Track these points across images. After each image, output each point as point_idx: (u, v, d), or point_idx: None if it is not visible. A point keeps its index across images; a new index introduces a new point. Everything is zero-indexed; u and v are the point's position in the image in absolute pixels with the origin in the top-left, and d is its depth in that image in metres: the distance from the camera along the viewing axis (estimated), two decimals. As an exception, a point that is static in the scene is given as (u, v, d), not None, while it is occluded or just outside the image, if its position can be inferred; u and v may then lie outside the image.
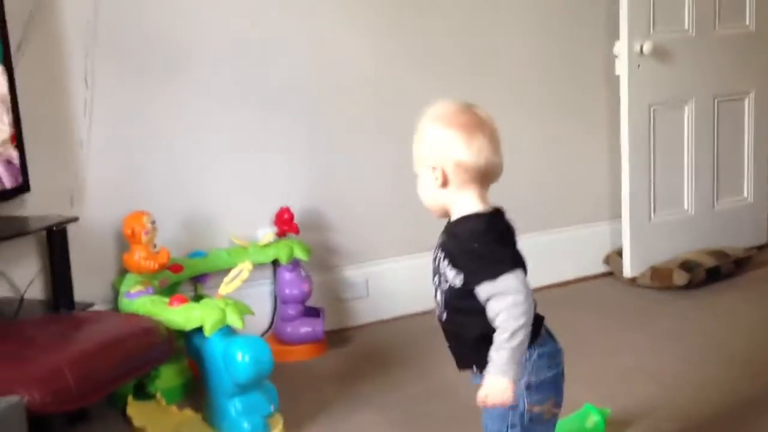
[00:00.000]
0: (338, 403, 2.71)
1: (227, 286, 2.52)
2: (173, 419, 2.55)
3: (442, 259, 1.70)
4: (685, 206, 3.89)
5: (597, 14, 3.79)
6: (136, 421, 2.53)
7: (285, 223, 3.15)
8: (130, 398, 2.58)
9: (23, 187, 2.70)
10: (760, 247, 4.08)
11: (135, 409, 2.58)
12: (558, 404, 1.75)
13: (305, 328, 3.12)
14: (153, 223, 2.80)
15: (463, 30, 3.52)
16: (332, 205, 3.35)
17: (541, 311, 1.70)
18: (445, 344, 1.79)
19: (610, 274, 3.87)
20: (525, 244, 1.71)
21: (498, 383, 1.59)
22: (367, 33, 3.35)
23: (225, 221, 3.16)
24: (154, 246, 2.81)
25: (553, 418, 1.76)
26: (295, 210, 3.17)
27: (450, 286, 1.68)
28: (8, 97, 2.62)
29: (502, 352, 1.58)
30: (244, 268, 2.53)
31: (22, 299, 2.74)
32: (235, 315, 2.44)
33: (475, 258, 1.63)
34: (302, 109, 3.26)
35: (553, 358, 1.73)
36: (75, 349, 2.23)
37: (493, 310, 1.60)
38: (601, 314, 3.45)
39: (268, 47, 3.18)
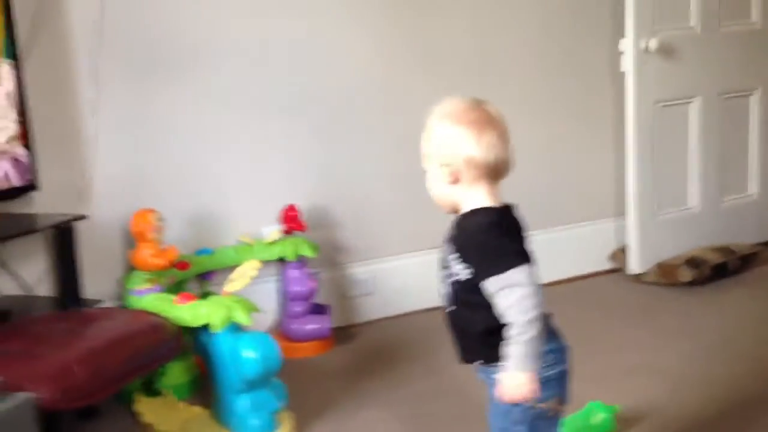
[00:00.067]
0: (345, 400, 2.72)
1: (232, 285, 2.53)
2: (181, 416, 2.57)
3: (450, 252, 1.70)
4: (691, 203, 3.89)
5: (601, 11, 3.79)
6: (145, 418, 2.55)
7: (291, 220, 3.15)
8: (138, 395, 2.60)
9: (31, 185, 2.71)
10: (766, 244, 4.07)
11: (144, 406, 2.60)
12: (563, 402, 1.75)
13: (312, 325, 3.13)
14: (160, 220, 2.81)
15: (467, 29, 3.53)
16: (338, 202, 3.36)
17: (546, 308, 1.70)
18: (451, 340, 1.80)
19: (615, 271, 3.87)
20: (530, 241, 1.71)
21: (515, 379, 1.60)
22: (371, 32, 3.35)
23: (231, 219, 3.17)
24: (162, 243, 2.82)
25: (558, 416, 1.76)
26: (301, 207, 3.18)
27: (458, 279, 1.69)
28: (17, 96, 2.64)
29: (515, 347, 1.59)
30: (251, 267, 2.54)
31: (30, 297, 2.75)
32: (242, 312, 2.44)
33: (483, 251, 1.63)
34: (308, 107, 3.26)
35: (559, 355, 1.73)
36: (84, 346, 2.23)
37: (502, 304, 1.60)
38: (607, 311, 3.46)
39: (273, 47, 3.18)
